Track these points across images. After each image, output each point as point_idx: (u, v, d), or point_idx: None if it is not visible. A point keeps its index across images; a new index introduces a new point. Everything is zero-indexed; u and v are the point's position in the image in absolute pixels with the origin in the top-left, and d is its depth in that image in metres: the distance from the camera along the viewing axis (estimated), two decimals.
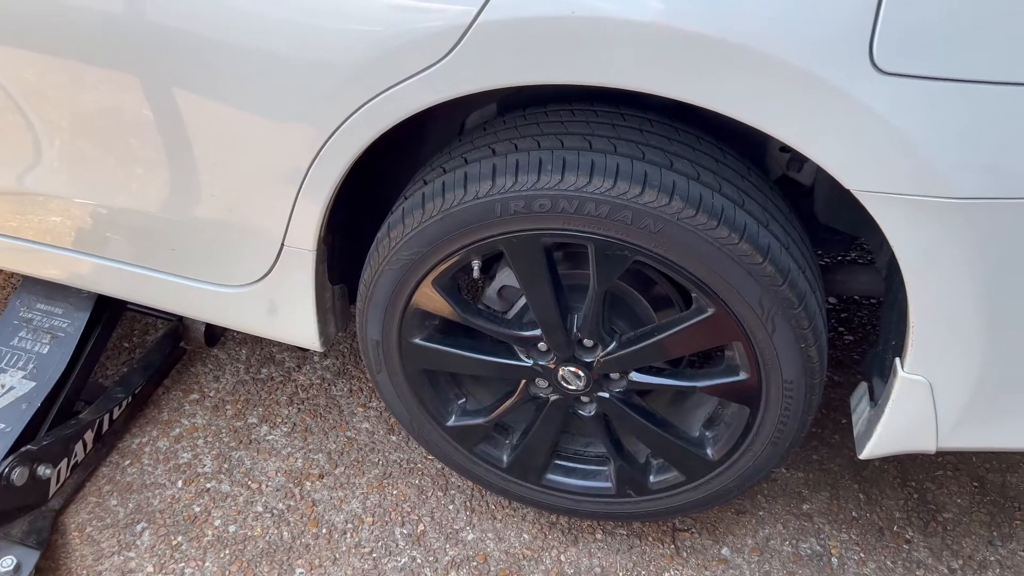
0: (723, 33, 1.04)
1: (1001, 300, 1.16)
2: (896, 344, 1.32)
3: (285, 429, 1.93)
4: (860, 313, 2.27)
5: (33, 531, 1.62)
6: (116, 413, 1.83)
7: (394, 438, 1.92)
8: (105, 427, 1.81)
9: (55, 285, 1.80)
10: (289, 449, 1.89)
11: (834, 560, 1.69)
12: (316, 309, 1.52)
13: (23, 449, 1.61)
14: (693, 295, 1.32)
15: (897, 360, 1.29)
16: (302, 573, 1.65)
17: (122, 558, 1.66)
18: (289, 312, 1.54)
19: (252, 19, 1.24)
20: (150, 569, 1.64)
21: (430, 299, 1.44)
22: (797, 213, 1.43)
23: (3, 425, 1.65)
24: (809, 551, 1.71)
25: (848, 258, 2.33)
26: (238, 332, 2.15)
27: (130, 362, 2.06)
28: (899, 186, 1.08)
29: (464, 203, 1.30)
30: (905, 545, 1.72)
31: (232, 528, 1.72)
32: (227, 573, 1.64)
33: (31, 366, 1.73)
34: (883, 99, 1.03)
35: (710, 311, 1.31)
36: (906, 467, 1.86)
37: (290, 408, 1.98)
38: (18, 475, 1.59)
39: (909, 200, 1.09)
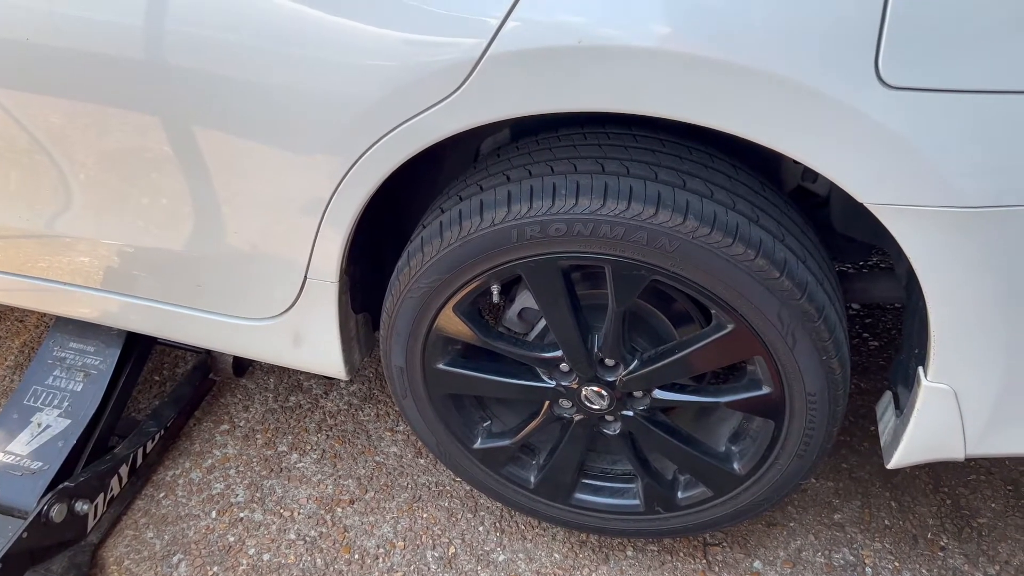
0: (728, 55, 1.06)
1: (1019, 306, 1.15)
2: (919, 352, 1.32)
3: (315, 456, 1.96)
4: (885, 318, 2.25)
5: (73, 566, 1.66)
6: (149, 446, 1.87)
7: (422, 461, 1.94)
8: (139, 460, 1.84)
9: (87, 323, 1.84)
10: (319, 476, 1.91)
11: (868, 570, 1.68)
12: (340, 338, 1.55)
13: (61, 486, 1.65)
14: (712, 311, 1.33)
15: (920, 369, 1.29)
16: None
17: None
18: (314, 343, 1.57)
19: (271, 57, 1.27)
20: None
21: (452, 324, 1.46)
22: (813, 223, 1.43)
23: (41, 463, 1.69)
24: (842, 561, 1.70)
25: (868, 265, 2.32)
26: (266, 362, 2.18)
27: (161, 395, 2.10)
28: (911, 198, 1.09)
29: (481, 230, 1.32)
30: (940, 552, 1.70)
31: (266, 556, 1.75)
32: None
33: (66, 404, 1.77)
34: (891, 113, 1.03)
35: (730, 327, 1.31)
36: (938, 473, 1.85)
37: (319, 435, 2.01)
38: (57, 512, 1.62)
39: (922, 211, 1.09)
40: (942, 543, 1.72)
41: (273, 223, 1.45)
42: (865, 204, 1.11)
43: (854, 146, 1.07)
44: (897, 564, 1.68)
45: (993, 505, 1.78)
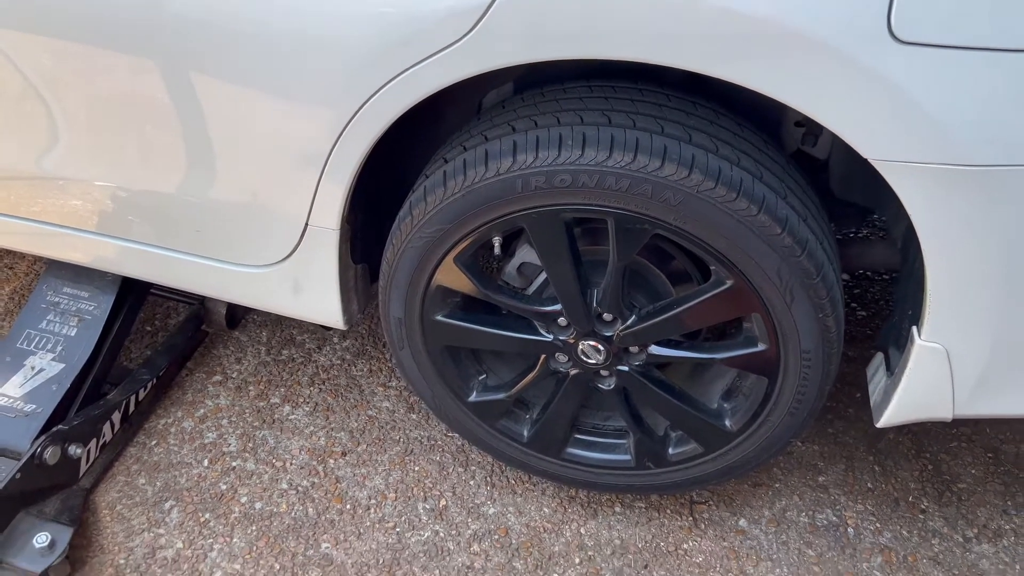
0: (741, 6, 1.06)
1: (1018, 266, 1.17)
2: (913, 313, 1.34)
3: (307, 409, 1.96)
4: (873, 289, 2.28)
5: (66, 509, 1.66)
6: (142, 394, 1.87)
7: (415, 416, 1.95)
8: (132, 408, 1.84)
9: (80, 269, 1.83)
10: (312, 428, 1.92)
11: (850, 530, 1.71)
12: (339, 287, 1.55)
13: (55, 429, 1.65)
14: (712, 268, 1.34)
15: (914, 328, 1.31)
16: (328, 548, 1.68)
17: (152, 535, 1.70)
18: (313, 291, 1.57)
19: (270, 2, 1.26)
20: (180, 545, 1.68)
21: (452, 276, 1.47)
22: (813, 187, 1.45)
23: (34, 406, 1.68)
24: (826, 521, 1.73)
25: (862, 233, 2.34)
26: (259, 315, 2.18)
27: (154, 345, 2.10)
28: (916, 154, 1.10)
29: (485, 180, 1.32)
30: (920, 515, 1.74)
31: (258, 505, 1.76)
32: (254, 548, 1.68)
33: (60, 348, 1.76)
34: (901, 68, 1.04)
35: (729, 283, 1.33)
36: (921, 439, 1.89)
37: (311, 388, 2.01)
38: (50, 454, 1.62)
39: (926, 168, 1.10)
40: (923, 506, 1.76)
41: (274, 170, 1.45)
42: (869, 159, 1.13)
43: (862, 101, 1.08)
44: (879, 525, 1.72)
45: (973, 471, 1.83)
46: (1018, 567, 1.65)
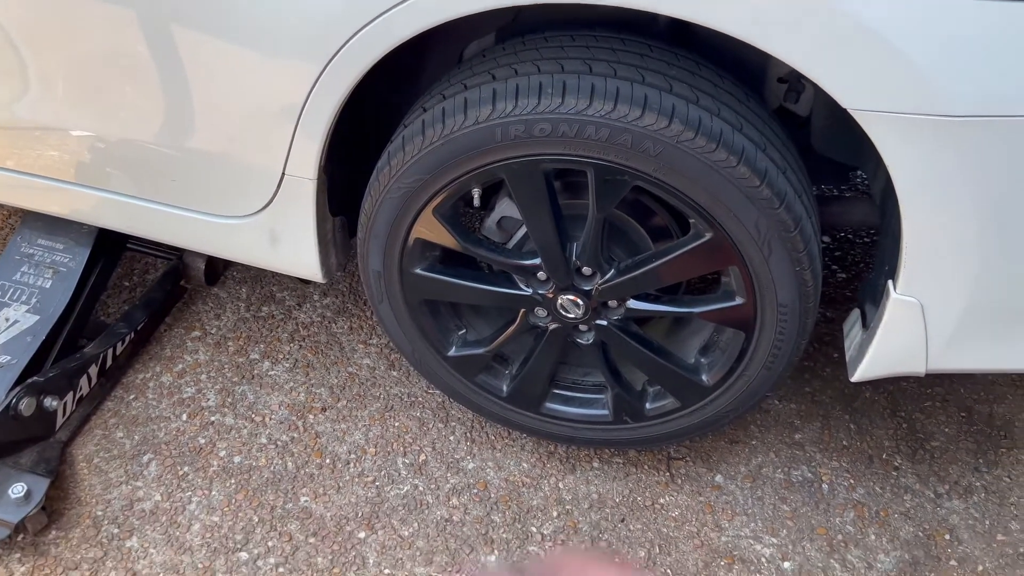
0: None
1: (994, 220, 1.18)
2: (889, 268, 1.35)
3: (287, 365, 1.96)
4: (853, 252, 2.29)
5: (42, 460, 1.65)
6: (119, 348, 1.85)
7: (395, 373, 1.95)
8: (109, 362, 1.83)
9: (56, 221, 1.80)
10: (291, 384, 1.92)
11: (824, 486, 1.74)
12: (318, 239, 1.54)
13: (30, 380, 1.64)
14: (691, 221, 1.34)
15: (890, 283, 1.32)
16: (307, 501, 1.69)
17: (130, 487, 1.70)
18: (290, 242, 1.56)
19: None
20: (158, 498, 1.68)
21: (431, 228, 1.46)
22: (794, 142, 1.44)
23: (9, 357, 1.67)
24: (800, 478, 1.75)
25: (844, 193, 2.35)
26: (238, 271, 2.17)
27: (131, 300, 2.08)
28: (895, 104, 1.10)
29: (464, 129, 1.31)
30: (893, 472, 1.76)
31: (237, 459, 1.76)
32: (233, 501, 1.68)
33: (34, 300, 1.74)
34: (881, 16, 1.04)
35: (707, 235, 1.33)
36: (896, 398, 1.91)
37: (291, 345, 2.01)
38: (25, 405, 1.61)
39: (905, 118, 1.10)
40: (896, 463, 1.78)
41: (248, 120, 1.43)
42: (849, 110, 1.13)
43: (841, 49, 1.07)
44: (852, 482, 1.74)
45: (947, 430, 1.85)
46: (987, 522, 1.67)
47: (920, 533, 1.65)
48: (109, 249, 1.87)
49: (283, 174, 1.46)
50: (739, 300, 1.40)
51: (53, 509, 1.64)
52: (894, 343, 1.35)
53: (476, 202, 1.43)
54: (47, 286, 1.76)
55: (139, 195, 1.61)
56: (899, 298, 1.30)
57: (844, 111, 1.14)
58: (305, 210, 1.50)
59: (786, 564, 1.60)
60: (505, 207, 1.55)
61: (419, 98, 1.46)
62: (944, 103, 1.08)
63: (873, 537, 1.64)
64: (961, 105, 1.08)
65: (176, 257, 2.01)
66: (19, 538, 1.59)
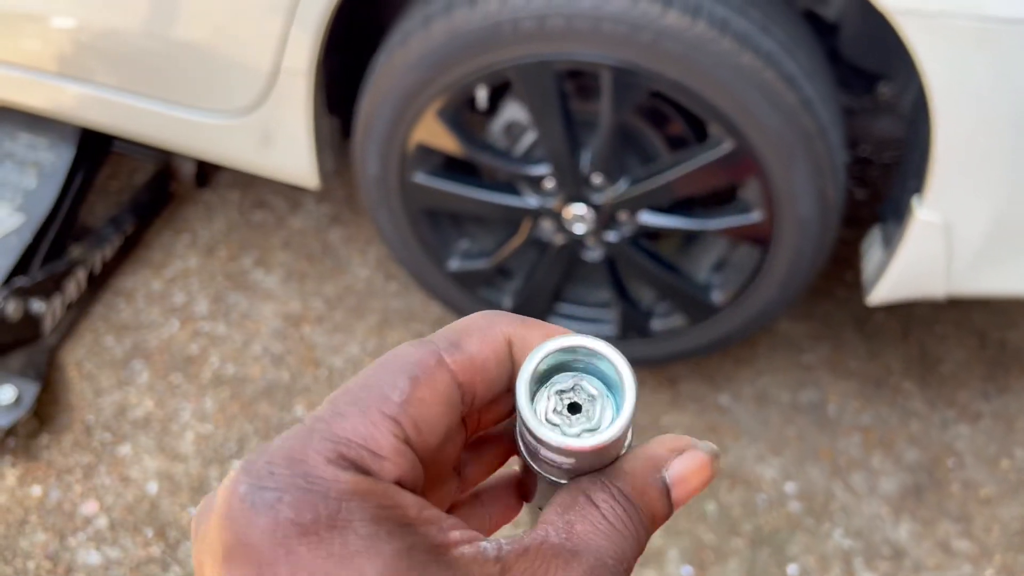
0: None
1: None
2: (914, 184, 1.28)
3: (281, 273, 1.90)
4: (873, 172, 2.21)
5: (31, 365, 1.61)
6: (108, 252, 1.79)
7: (393, 286, 1.89)
8: (98, 267, 1.77)
9: (37, 116, 1.71)
10: (285, 294, 1.86)
11: (831, 408, 1.70)
12: (313, 140, 1.46)
13: (16, 283, 1.58)
14: (710, 129, 1.26)
15: (914, 199, 1.25)
16: (302, 412, 1.65)
17: (121, 394, 1.66)
18: (284, 143, 1.48)
19: None
20: (150, 405, 1.65)
21: (433, 132, 1.38)
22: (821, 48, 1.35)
23: None
24: (807, 400, 1.72)
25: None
26: (228, 175, 2.09)
27: (119, 204, 2.00)
28: (934, 4, 1.01)
29: (471, 23, 1.22)
30: (901, 396, 1.73)
31: (230, 368, 1.72)
32: (226, 410, 1.65)
33: (19, 200, 1.67)
34: None
35: (727, 144, 1.25)
36: (908, 322, 1.86)
37: (285, 253, 1.94)
38: (12, 308, 1.56)
39: (942, 19, 1.01)
40: (905, 387, 1.75)
41: (240, 5, 1.33)
42: (886, 12, 1.04)
43: None
44: (859, 404, 1.71)
45: (957, 355, 1.81)
46: (992, 448, 1.65)
47: (924, 457, 1.63)
48: (95, 147, 1.79)
49: (278, 68, 1.37)
50: (756, 214, 1.33)
51: (44, 414, 1.61)
52: (915, 263, 1.29)
53: (483, 104, 1.35)
54: (32, 187, 1.68)
55: (125, 88, 1.52)
56: (924, 215, 1.23)
57: (876, 15, 1.05)
58: (300, 108, 1.41)
59: (788, 485, 1.58)
60: (512, 111, 1.47)
61: None
62: (986, 3, 0.99)
63: (877, 460, 1.62)
64: (1000, 7, 0.99)
65: (165, 158, 1.93)
66: (11, 442, 1.56)
